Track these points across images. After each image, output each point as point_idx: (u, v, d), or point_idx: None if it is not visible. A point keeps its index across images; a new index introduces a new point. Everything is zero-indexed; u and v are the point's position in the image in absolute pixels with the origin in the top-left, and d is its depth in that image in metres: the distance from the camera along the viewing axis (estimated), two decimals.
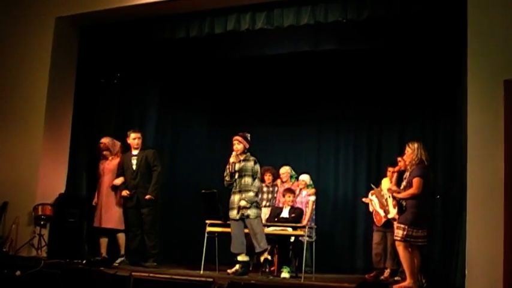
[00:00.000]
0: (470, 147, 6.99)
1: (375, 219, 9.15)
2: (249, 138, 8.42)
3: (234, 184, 8.28)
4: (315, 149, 11.48)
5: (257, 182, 8.28)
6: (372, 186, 9.30)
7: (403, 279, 7.40)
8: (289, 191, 9.02)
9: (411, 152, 7.31)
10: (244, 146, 8.33)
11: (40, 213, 8.89)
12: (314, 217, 9.50)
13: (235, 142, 8.33)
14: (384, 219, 8.87)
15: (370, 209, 9.25)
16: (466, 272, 6.74)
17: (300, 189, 9.49)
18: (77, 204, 9.21)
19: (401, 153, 7.99)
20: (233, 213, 8.17)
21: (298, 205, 9.14)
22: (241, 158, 8.30)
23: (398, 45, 8.94)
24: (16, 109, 9.50)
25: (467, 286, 6.67)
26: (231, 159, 8.30)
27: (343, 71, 10.49)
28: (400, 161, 8.65)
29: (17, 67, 9.61)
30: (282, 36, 9.07)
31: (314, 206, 9.49)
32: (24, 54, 9.57)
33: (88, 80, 9.85)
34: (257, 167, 8.31)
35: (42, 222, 8.92)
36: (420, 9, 7.79)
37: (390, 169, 8.98)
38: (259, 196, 8.61)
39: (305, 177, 9.60)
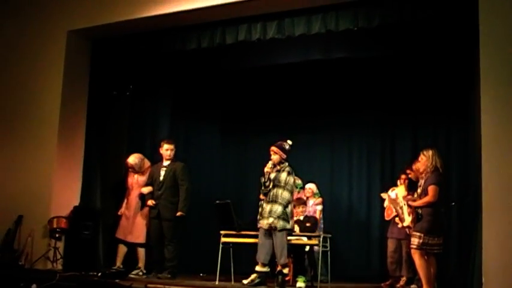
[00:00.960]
0: (484, 152, 6.94)
1: (385, 214, 9.21)
2: (287, 147, 8.18)
3: (268, 194, 8.11)
4: (328, 156, 11.46)
5: (286, 194, 8.02)
6: (382, 195, 9.31)
7: (420, 287, 7.36)
8: (299, 201, 8.97)
9: (426, 159, 7.29)
10: (280, 156, 8.11)
11: (55, 226, 8.92)
12: (322, 226, 9.49)
13: (271, 152, 8.15)
14: (393, 214, 8.90)
15: (385, 204, 9.25)
16: (483, 279, 6.69)
17: (307, 198, 9.48)
18: (91, 216, 9.24)
19: (415, 159, 8.00)
20: (262, 223, 8.03)
21: (306, 213, 9.12)
22: (278, 168, 8.15)
23: (410, 51, 8.91)
24: (30, 122, 9.56)
25: None
26: (266, 169, 8.15)
27: (355, 78, 10.47)
28: (409, 173, 8.66)
29: (29, 81, 9.67)
30: (293, 45, 9.06)
31: (322, 215, 9.48)
32: (37, 67, 9.65)
33: (100, 93, 9.89)
34: (289, 178, 8.08)
35: (57, 235, 8.94)
36: (431, 15, 7.75)
37: (403, 176, 8.96)
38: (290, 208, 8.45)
39: (312, 186, 9.59)
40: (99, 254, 9.26)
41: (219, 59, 9.78)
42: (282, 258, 7.89)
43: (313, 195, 9.54)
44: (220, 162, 11.98)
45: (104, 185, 9.71)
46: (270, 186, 8.08)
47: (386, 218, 9.17)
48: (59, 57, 9.53)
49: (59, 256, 8.87)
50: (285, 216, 7.93)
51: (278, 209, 7.92)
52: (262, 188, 8.16)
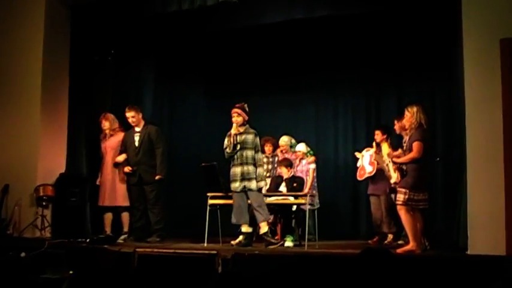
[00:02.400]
0: (468, 107, 6.99)
1: (357, 174, 9.37)
2: (247, 108, 8.34)
3: (235, 156, 8.22)
4: (313, 115, 11.50)
5: (259, 155, 8.25)
6: (356, 154, 9.39)
7: (407, 242, 7.42)
8: (286, 162, 9.00)
9: (410, 116, 7.29)
10: (244, 118, 8.24)
11: (42, 194, 8.89)
12: (316, 184, 9.52)
13: (234, 114, 8.24)
14: (365, 175, 9.15)
15: (358, 163, 9.37)
16: (469, 232, 6.77)
17: (300, 160, 9.49)
18: (78, 183, 9.20)
19: (400, 116, 8.02)
20: (235, 185, 8.16)
21: (299, 174, 9.15)
22: (241, 130, 8.23)
23: (393, 7, 8.83)
24: (11, 91, 9.44)
25: (470, 246, 6.73)
26: (232, 131, 8.22)
27: (338, 36, 10.39)
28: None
29: (10, 49, 9.52)
30: (276, 5, 8.97)
31: (315, 174, 9.50)
32: (17, 36, 9.48)
33: (82, 59, 9.77)
34: (257, 139, 8.27)
35: (44, 203, 8.93)
36: None
37: (377, 132, 9.06)
38: (264, 167, 8.55)
39: (301, 147, 9.59)
40: (87, 221, 9.24)
41: (201, 21, 9.65)
42: (263, 216, 8.00)
43: (305, 155, 9.54)
44: (206, 125, 11.96)
45: (90, 152, 9.65)
46: (237, 149, 8.14)
47: (359, 178, 9.35)
48: (39, 24, 9.37)
49: (46, 224, 8.87)
50: (257, 177, 8.10)
51: (250, 169, 8.06)
52: (228, 150, 8.23)
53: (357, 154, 9.46)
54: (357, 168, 9.43)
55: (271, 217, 8.37)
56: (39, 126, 9.21)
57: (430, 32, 9.23)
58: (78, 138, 9.69)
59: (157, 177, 8.84)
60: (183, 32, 9.99)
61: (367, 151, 9.22)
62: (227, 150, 8.25)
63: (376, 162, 8.84)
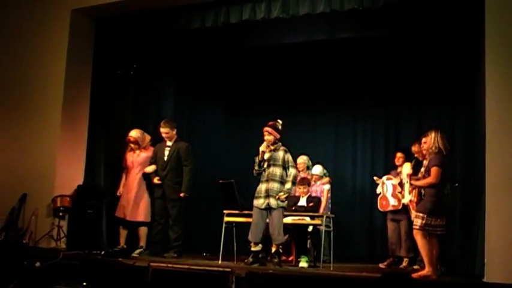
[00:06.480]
0: (488, 132, 6.93)
1: (379, 203, 9.20)
2: (279, 126, 8.27)
3: (263, 174, 8.20)
4: (332, 136, 11.44)
5: (292, 170, 8.17)
6: (375, 179, 9.31)
7: (422, 267, 7.36)
8: (303, 181, 8.97)
9: (429, 140, 7.24)
10: (275, 136, 8.19)
11: (59, 204, 8.95)
12: (330, 206, 9.47)
13: (265, 133, 8.20)
14: (389, 208, 8.96)
15: (378, 191, 9.24)
16: (486, 259, 6.69)
17: (315, 180, 9.46)
18: (95, 195, 9.26)
19: (416, 141, 7.99)
20: (259, 202, 8.11)
21: (313, 194, 9.11)
22: (272, 148, 8.20)
23: (415, 31, 8.84)
24: (33, 102, 9.56)
25: (486, 274, 6.63)
26: (261, 148, 8.22)
27: (359, 58, 10.41)
28: (415, 152, 8.58)
29: (33, 60, 9.66)
30: (298, 25, 9.01)
31: (329, 195, 9.46)
32: (41, 47, 9.62)
33: (104, 72, 9.88)
34: (288, 156, 8.19)
35: (61, 214, 8.98)
36: None
37: (398, 155, 9.08)
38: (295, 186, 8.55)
39: (316, 171, 9.53)
40: (103, 233, 9.30)
41: (223, 39, 9.74)
42: (280, 237, 7.99)
43: (320, 177, 9.50)
44: (224, 142, 11.96)
45: (108, 164, 9.73)
46: (265, 166, 8.15)
47: (381, 209, 9.21)
48: (63, 36, 9.51)
49: (62, 235, 8.92)
50: (282, 191, 8.05)
51: (275, 186, 8.03)
52: (256, 168, 8.22)
53: (377, 180, 9.35)
54: (377, 195, 9.27)
55: (284, 239, 8.30)
56: (58, 137, 9.31)
57: (451, 56, 9.23)
58: (97, 150, 9.78)
59: (181, 195, 8.85)
60: (205, 48, 10.06)
61: (388, 179, 9.10)
62: (255, 167, 8.26)
63: (400, 196, 8.72)
